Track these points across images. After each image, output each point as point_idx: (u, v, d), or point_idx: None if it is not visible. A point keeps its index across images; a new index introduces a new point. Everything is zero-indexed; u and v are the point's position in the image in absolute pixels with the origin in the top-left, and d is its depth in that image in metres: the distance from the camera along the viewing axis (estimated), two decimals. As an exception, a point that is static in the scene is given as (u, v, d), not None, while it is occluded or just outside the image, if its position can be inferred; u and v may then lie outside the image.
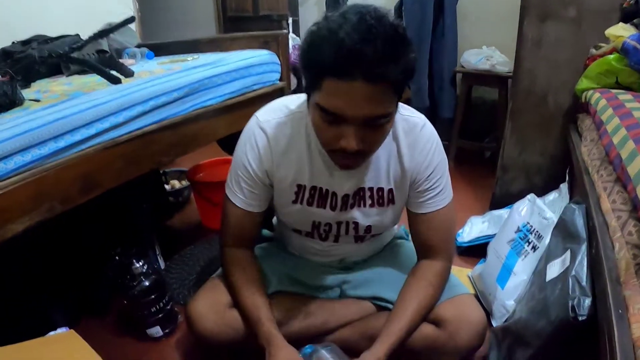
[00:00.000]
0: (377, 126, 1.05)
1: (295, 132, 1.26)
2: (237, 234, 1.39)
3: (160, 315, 1.62)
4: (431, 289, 1.34)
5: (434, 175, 1.30)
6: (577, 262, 1.10)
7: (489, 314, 1.63)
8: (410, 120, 1.28)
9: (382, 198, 1.34)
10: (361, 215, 1.36)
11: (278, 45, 1.98)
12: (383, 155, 1.28)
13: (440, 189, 1.32)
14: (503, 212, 2.13)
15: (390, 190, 1.33)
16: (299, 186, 1.32)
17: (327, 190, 1.32)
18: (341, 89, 0.97)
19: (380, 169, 1.30)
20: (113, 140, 1.34)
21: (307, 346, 1.28)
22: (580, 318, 0.96)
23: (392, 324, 1.30)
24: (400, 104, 1.24)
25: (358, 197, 1.33)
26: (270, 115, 1.27)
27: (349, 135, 1.02)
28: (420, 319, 1.33)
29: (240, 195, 1.33)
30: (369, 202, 1.34)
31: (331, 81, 0.97)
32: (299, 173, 1.30)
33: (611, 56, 1.84)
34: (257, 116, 1.29)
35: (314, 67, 1.01)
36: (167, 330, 1.66)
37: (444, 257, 1.38)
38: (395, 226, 1.58)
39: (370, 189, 1.32)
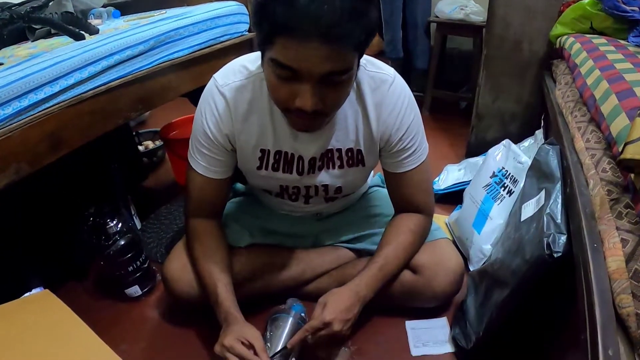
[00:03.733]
0: (335, 84, 0.99)
1: (256, 95, 1.20)
2: (201, 203, 1.36)
3: (138, 274, 1.61)
4: (410, 235, 1.34)
5: (407, 135, 1.26)
6: (551, 200, 1.11)
7: (466, 259, 1.65)
8: (377, 77, 1.22)
9: (352, 159, 1.31)
10: (330, 178, 1.34)
11: (246, -4, 1.94)
12: (350, 114, 1.24)
13: (416, 147, 1.29)
14: (479, 160, 2.13)
15: (360, 151, 1.30)
16: (263, 151, 1.28)
17: (292, 155, 1.28)
18: (296, 47, 0.91)
19: (348, 128, 1.25)
20: (79, 97, 1.30)
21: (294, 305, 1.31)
22: (555, 255, 0.97)
23: (367, 264, 1.31)
24: (368, 59, 1.21)
25: (326, 159, 1.30)
26: (229, 78, 1.21)
27: (305, 94, 0.96)
28: (398, 260, 1.33)
29: (202, 162, 1.29)
30: (337, 163, 1.31)
31: (284, 39, 0.91)
32: (262, 137, 1.25)
33: (586, 1, 1.85)
34: (215, 79, 1.23)
35: (266, 24, 0.93)
36: (145, 289, 1.65)
37: (425, 211, 1.38)
38: (371, 175, 1.57)
39: (339, 150, 1.29)
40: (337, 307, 1.19)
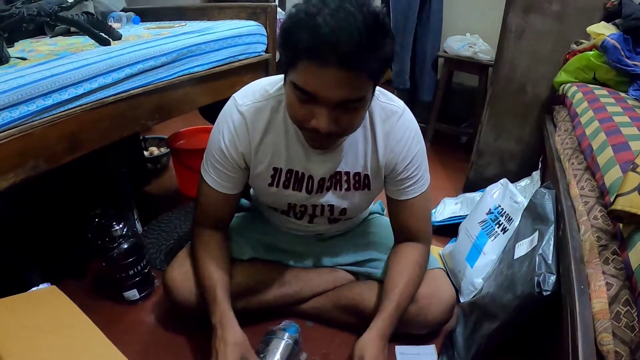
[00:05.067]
0: (350, 109, 1.05)
1: (273, 115, 1.27)
2: (210, 215, 1.40)
3: (137, 279, 1.64)
4: (418, 268, 1.39)
5: (412, 165, 1.32)
6: (544, 242, 1.16)
7: (457, 290, 1.68)
8: (387, 108, 1.29)
9: (359, 183, 1.37)
10: (336, 199, 1.39)
11: (266, 17, 1.99)
12: (361, 141, 1.30)
13: (419, 177, 1.35)
14: (476, 195, 2.18)
15: (367, 176, 1.36)
16: (275, 169, 1.33)
17: (302, 174, 1.33)
18: (315, 72, 0.98)
19: (358, 154, 1.31)
20: (100, 101, 1.34)
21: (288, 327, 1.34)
22: (544, 293, 1.02)
23: (384, 303, 1.33)
24: (380, 90, 1.27)
25: (334, 180, 1.35)
26: (249, 99, 1.27)
27: (321, 116, 1.03)
28: (410, 296, 1.36)
29: (214, 177, 1.34)
30: (345, 186, 1.37)
31: (306, 63, 0.98)
32: (276, 156, 1.31)
33: (591, 52, 1.90)
34: (235, 99, 1.29)
35: (290, 49, 1.01)
36: (143, 294, 1.68)
37: (424, 240, 1.43)
38: (372, 202, 1.61)
39: (347, 173, 1.34)
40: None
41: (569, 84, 1.93)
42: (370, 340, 1.25)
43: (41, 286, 1.28)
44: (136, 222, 2.05)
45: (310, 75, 0.99)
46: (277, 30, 2.07)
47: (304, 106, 1.05)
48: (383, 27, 0.97)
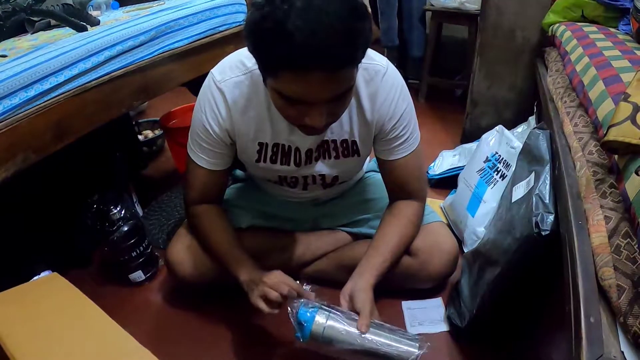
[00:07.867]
0: (341, 98, 1.02)
1: (252, 90, 1.22)
2: (203, 193, 1.39)
3: (141, 260, 1.65)
4: (411, 227, 1.38)
5: (400, 124, 1.29)
6: (540, 182, 1.15)
7: (460, 241, 1.69)
8: (370, 68, 1.22)
9: (347, 150, 1.34)
10: (326, 168, 1.38)
11: (244, -14, 1.96)
12: None
13: (408, 135, 1.32)
14: (473, 145, 2.15)
15: (354, 142, 1.33)
16: (261, 144, 1.31)
17: (289, 147, 1.31)
18: (298, 81, 0.93)
19: (342, 120, 1.27)
20: (83, 87, 1.33)
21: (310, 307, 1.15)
22: (543, 233, 1.01)
23: (374, 257, 1.31)
24: None
25: (322, 149, 1.34)
26: (226, 74, 1.23)
27: (314, 115, 1.00)
28: (400, 255, 1.37)
29: (202, 156, 1.32)
30: (333, 154, 1.35)
31: (287, 73, 0.93)
32: (260, 131, 1.28)
33: (577, -10, 1.87)
34: (213, 74, 1.25)
35: (265, 61, 0.96)
36: (148, 274, 1.69)
37: (419, 197, 1.41)
38: (367, 160, 1.60)
39: (334, 141, 1.32)
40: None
41: (557, 24, 1.91)
42: (362, 290, 1.20)
43: (42, 274, 1.28)
44: (136, 205, 2.05)
45: (293, 84, 0.94)
46: None
47: (292, 107, 1.01)
48: (358, 12, 0.90)
